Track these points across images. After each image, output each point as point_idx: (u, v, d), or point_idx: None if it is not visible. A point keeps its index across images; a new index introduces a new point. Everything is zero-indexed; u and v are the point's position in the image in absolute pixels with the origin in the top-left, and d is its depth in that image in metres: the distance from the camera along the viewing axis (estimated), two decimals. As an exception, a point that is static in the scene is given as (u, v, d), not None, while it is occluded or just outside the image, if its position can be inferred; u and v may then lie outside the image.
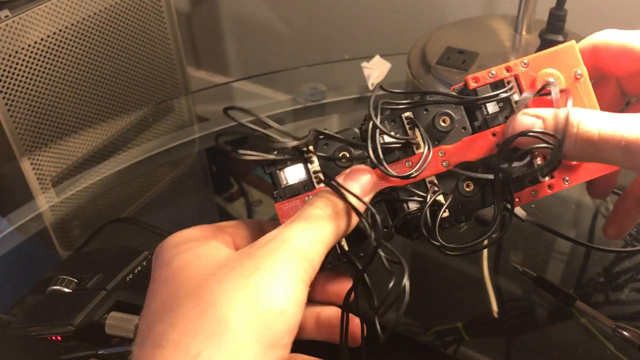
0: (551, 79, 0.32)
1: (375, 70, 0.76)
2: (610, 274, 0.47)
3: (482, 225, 0.36)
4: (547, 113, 0.31)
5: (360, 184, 0.31)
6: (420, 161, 0.31)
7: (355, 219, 0.30)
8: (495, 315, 0.44)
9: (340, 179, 0.31)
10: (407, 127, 0.32)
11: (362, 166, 0.32)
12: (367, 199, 0.31)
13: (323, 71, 0.86)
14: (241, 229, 0.33)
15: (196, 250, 0.29)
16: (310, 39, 1.11)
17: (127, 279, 0.44)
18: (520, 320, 0.44)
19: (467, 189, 0.32)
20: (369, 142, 0.31)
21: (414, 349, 0.39)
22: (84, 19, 0.82)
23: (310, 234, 0.28)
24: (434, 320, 0.43)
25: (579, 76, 0.32)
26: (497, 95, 0.32)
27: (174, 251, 0.29)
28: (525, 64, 0.32)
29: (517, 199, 0.33)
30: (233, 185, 0.72)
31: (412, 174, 0.31)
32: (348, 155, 0.32)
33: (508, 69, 0.32)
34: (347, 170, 0.31)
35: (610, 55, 0.33)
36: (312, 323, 0.33)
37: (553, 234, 0.49)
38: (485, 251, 0.49)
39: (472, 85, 0.32)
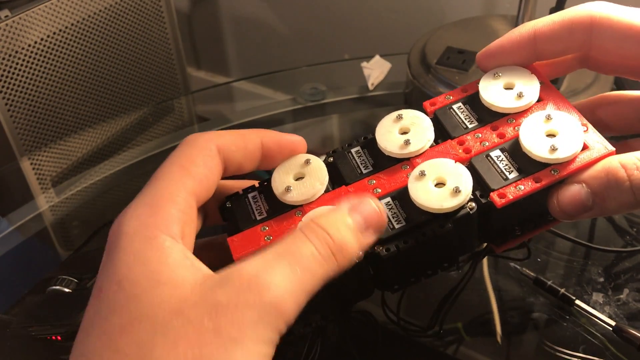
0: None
1: (375, 70, 0.76)
2: (610, 274, 0.47)
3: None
4: (589, 175, 0.26)
5: (364, 215, 0.25)
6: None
7: (346, 263, 0.24)
8: (496, 315, 0.44)
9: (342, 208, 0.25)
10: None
11: (368, 195, 0.26)
12: (370, 237, 0.25)
13: (323, 71, 0.86)
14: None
15: (151, 260, 0.24)
16: (310, 39, 1.11)
17: (127, 279, 0.44)
18: (520, 320, 0.44)
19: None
20: None
21: (414, 349, 0.39)
22: (84, 19, 0.82)
23: (295, 280, 0.23)
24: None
25: None
26: None
27: (126, 255, 0.24)
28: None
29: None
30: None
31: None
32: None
33: None
34: (352, 200, 0.26)
35: (613, 35, 0.28)
36: None
37: (553, 234, 0.49)
38: (485, 251, 0.49)
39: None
